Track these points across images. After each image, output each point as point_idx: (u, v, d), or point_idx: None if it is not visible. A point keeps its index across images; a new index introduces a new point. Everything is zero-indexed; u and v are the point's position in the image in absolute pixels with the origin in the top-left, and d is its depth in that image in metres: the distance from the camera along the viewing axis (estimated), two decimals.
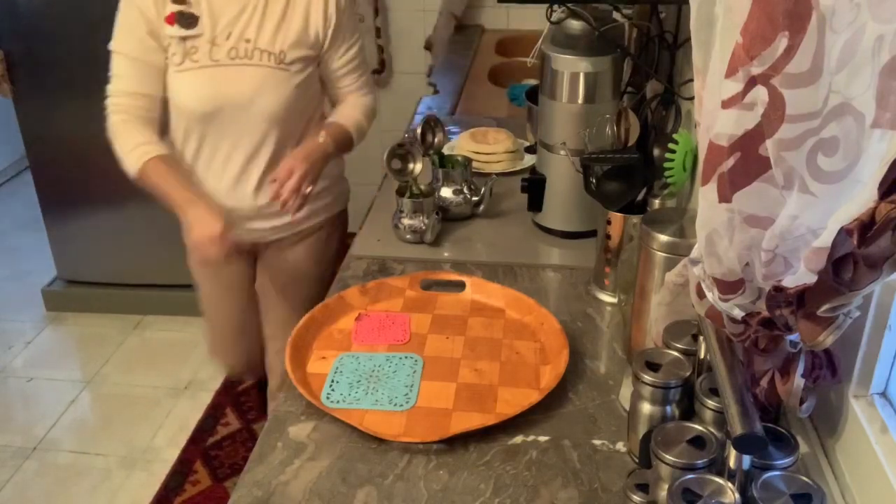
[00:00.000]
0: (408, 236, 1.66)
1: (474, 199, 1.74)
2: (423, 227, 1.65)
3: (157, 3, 1.60)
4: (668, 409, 1.03)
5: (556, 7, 1.59)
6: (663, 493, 0.89)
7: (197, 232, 1.57)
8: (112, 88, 1.66)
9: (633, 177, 1.44)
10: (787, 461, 0.86)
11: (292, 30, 1.65)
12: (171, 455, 2.52)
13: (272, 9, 1.64)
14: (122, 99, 1.65)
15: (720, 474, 0.86)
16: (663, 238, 1.14)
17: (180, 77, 1.64)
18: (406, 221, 1.66)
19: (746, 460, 0.84)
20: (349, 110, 1.80)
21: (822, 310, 0.69)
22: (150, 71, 1.64)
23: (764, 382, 0.90)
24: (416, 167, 1.71)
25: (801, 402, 0.86)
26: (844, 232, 0.60)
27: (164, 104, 1.69)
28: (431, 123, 1.76)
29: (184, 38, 1.61)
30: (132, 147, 1.63)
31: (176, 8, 1.60)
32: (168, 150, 1.68)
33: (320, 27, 1.68)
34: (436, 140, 1.77)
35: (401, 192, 1.68)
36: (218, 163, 1.71)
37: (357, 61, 1.78)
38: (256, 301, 1.96)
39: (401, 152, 1.71)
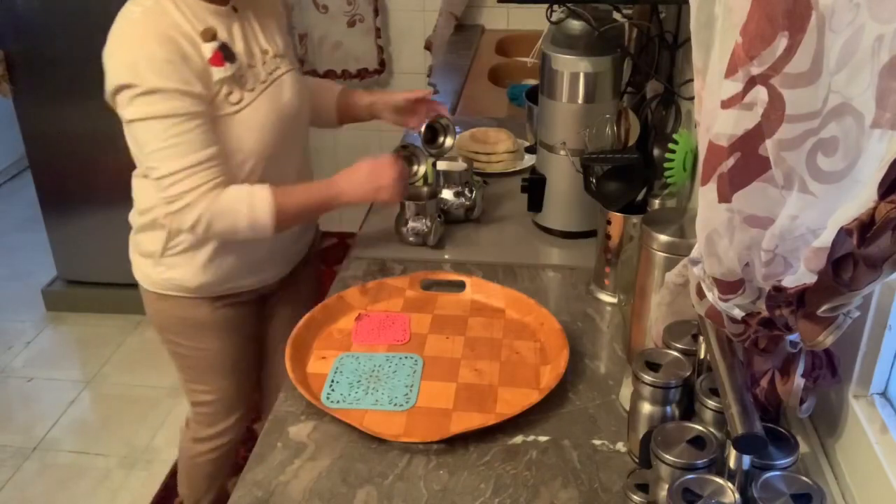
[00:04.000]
0: (411, 238, 1.65)
1: (466, 203, 1.72)
2: (426, 230, 1.63)
3: (194, 47, 1.40)
4: (668, 409, 1.03)
5: (556, 7, 1.59)
6: (663, 493, 0.88)
7: (384, 181, 1.52)
8: (177, 165, 1.39)
9: (633, 177, 1.44)
10: (787, 461, 0.86)
11: (279, 30, 1.60)
12: (171, 455, 2.51)
13: (263, 13, 1.56)
14: (203, 173, 1.41)
15: (720, 474, 0.86)
16: (663, 238, 1.14)
17: (240, 117, 1.47)
18: (410, 224, 1.65)
19: (746, 460, 0.84)
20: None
21: (822, 310, 0.69)
22: (211, 128, 1.43)
23: (764, 382, 0.90)
24: (420, 169, 1.70)
25: (801, 402, 0.86)
26: (844, 232, 0.60)
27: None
28: (444, 123, 1.72)
29: (232, 75, 1.45)
30: (247, 200, 1.44)
31: (214, 45, 1.42)
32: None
33: (282, 21, 1.64)
34: (445, 143, 1.74)
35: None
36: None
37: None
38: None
39: (405, 154, 1.69)
